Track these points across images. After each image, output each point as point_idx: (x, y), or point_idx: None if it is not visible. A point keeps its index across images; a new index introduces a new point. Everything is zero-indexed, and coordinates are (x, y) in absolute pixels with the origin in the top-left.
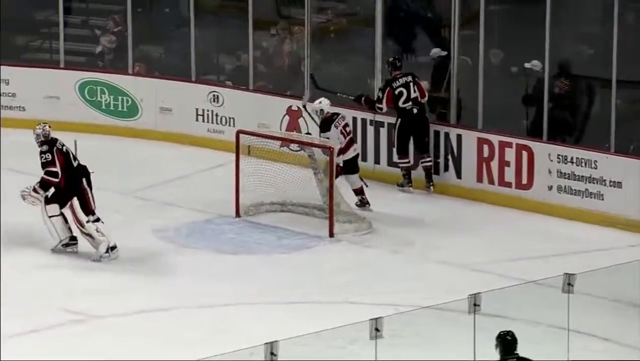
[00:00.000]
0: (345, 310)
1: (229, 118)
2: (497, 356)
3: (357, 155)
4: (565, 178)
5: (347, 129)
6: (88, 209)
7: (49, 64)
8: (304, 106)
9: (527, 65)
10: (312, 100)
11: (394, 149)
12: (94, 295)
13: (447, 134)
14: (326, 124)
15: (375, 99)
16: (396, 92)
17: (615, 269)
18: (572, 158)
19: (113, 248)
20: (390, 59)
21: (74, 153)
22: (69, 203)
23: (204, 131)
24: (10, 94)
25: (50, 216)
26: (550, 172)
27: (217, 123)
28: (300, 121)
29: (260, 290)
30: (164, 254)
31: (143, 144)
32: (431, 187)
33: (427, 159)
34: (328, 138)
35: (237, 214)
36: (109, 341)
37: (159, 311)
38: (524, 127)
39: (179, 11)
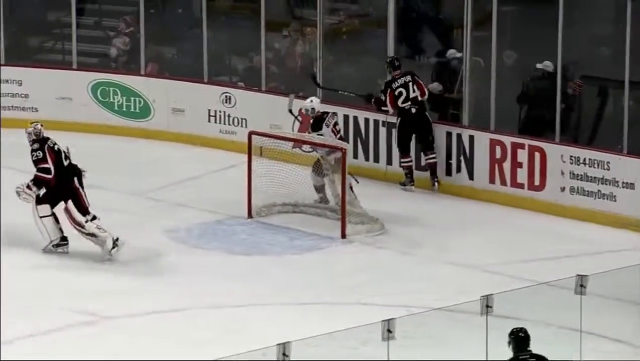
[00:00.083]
0: (357, 311)
1: (241, 119)
2: (510, 355)
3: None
4: (577, 179)
5: (337, 127)
6: (83, 209)
7: (62, 65)
8: (290, 110)
9: (539, 65)
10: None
11: (397, 149)
12: (105, 296)
13: (459, 136)
14: (318, 123)
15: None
16: (396, 92)
17: (627, 270)
18: (584, 159)
19: (116, 239)
20: (389, 59)
21: (66, 153)
22: (65, 208)
23: (216, 132)
24: (23, 95)
25: (41, 217)
26: (562, 173)
27: (229, 124)
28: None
29: (272, 291)
30: (176, 255)
31: (155, 145)
32: (436, 184)
33: (431, 156)
34: (322, 135)
35: (249, 215)
36: (120, 341)
37: (171, 312)
38: (530, 128)
39: (192, 12)
